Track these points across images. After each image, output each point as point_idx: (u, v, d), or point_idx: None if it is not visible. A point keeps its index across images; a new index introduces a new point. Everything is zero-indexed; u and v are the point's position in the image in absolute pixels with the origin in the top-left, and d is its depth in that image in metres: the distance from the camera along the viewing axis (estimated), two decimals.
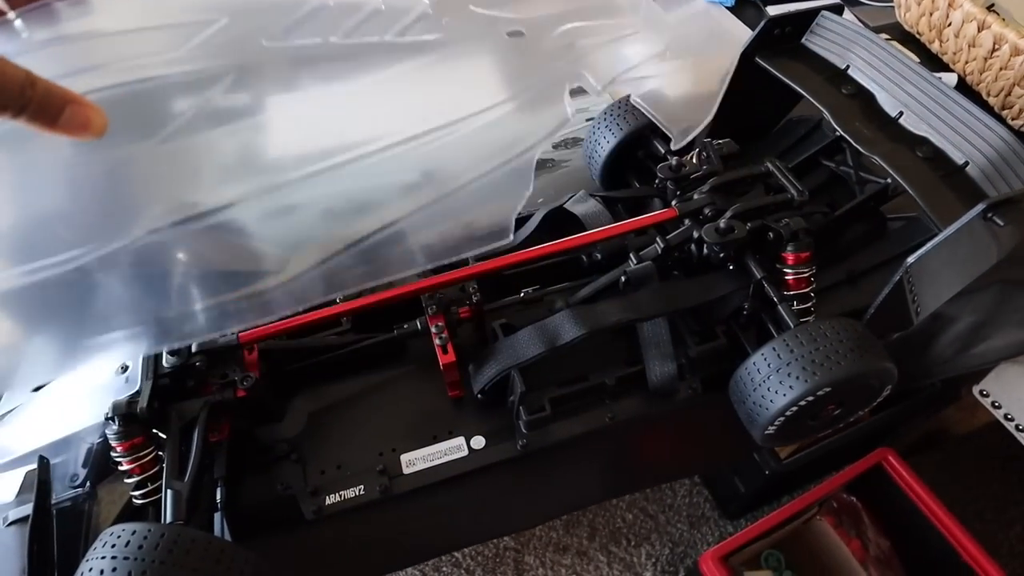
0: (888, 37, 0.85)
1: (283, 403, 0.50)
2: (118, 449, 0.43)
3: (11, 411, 0.51)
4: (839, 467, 1.03)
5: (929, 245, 0.43)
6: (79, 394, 0.48)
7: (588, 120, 0.75)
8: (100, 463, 0.47)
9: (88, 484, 0.47)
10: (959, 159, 0.47)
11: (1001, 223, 0.41)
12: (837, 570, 1.01)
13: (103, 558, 0.37)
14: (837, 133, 0.55)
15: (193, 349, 0.45)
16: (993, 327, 0.53)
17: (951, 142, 0.48)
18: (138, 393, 0.43)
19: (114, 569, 0.36)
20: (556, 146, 0.73)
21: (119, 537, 0.37)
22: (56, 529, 0.45)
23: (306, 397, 0.51)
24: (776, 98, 0.58)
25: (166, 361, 0.45)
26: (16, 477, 0.47)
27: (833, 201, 0.58)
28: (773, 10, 0.90)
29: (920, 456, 1.03)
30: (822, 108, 0.52)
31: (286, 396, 0.51)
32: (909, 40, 0.85)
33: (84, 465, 0.47)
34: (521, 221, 0.58)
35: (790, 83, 0.54)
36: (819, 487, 1.05)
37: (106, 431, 0.43)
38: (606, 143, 0.60)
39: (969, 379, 1.01)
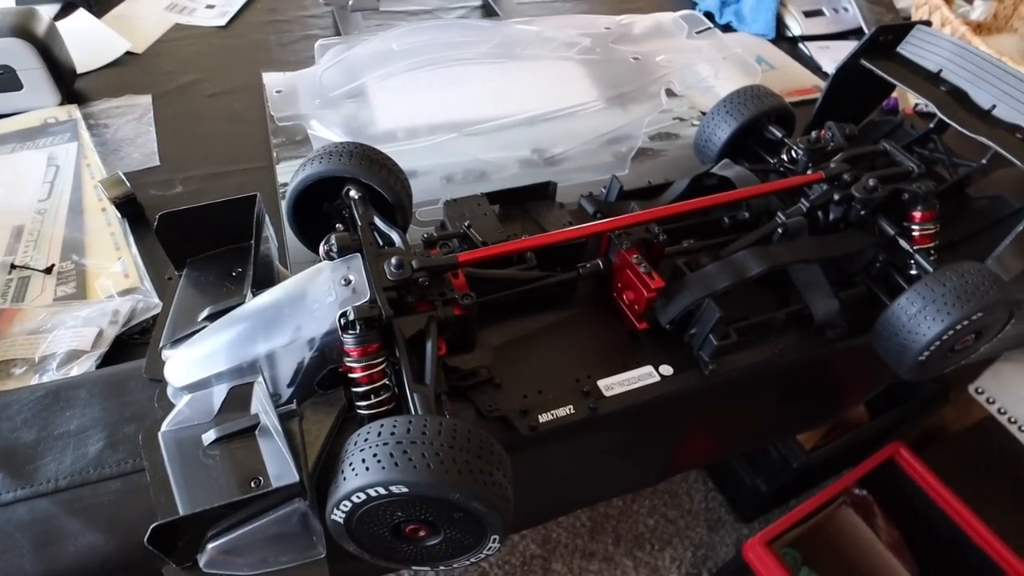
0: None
1: (473, 334, 0.52)
2: (352, 355, 0.43)
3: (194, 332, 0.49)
4: (853, 464, 1.11)
5: None
6: (287, 310, 0.47)
7: (675, 119, 0.83)
8: (306, 382, 0.46)
9: (295, 402, 0.46)
10: None
11: None
12: (859, 559, 1.07)
13: (386, 444, 0.37)
14: (930, 125, 0.65)
15: (415, 265, 0.47)
16: None
17: None
18: (373, 301, 0.44)
19: (404, 451, 0.36)
20: (652, 137, 0.80)
21: (396, 425, 0.37)
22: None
23: (490, 330, 0.53)
24: (866, 98, 0.67)
25: (390, 275, 0.46)
26: (214, 396, 0.45)
27: None
28: (813, 46, 1.03)
29: (921, 452, 1.13)
30: (930, 102, 0.62)
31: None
32: None
33: (290, 384, 0.46)
34: (663, 188, 0.64)
35: (896, 82, 0.63)
36: (837, 482, 1.11)
37: (343, 337, 0.43)
38: (726, 127, 0.67)
39: (961, 380, 1.14)
